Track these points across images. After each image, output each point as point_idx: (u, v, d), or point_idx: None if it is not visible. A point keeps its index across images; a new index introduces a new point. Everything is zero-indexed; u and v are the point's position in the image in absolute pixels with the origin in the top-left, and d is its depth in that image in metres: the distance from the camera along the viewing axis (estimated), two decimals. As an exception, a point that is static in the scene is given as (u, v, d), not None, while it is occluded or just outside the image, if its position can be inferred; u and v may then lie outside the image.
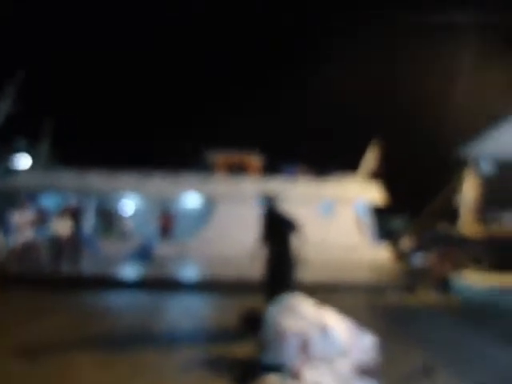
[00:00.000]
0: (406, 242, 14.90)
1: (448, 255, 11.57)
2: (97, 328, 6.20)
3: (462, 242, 13.38)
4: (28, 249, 11.62)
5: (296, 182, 16.71)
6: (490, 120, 15.28)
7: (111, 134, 27.51)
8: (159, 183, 16.36)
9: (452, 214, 16.47)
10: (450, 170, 16.89)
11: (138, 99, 30.78)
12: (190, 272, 12.14)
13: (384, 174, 17.35)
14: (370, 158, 17.58)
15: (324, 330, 4.59)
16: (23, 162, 17.94)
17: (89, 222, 15.86)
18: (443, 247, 12.37)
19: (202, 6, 37.76)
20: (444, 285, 10.08)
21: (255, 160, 18.15)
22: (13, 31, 32.46)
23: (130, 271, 11.63)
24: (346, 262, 13.70)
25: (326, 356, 4.50)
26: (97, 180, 16.55)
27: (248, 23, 37.78)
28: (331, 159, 18.63)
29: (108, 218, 16.70)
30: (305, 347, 4.50)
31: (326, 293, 8.40)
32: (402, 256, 14.24)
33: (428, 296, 9.61)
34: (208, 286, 9.81)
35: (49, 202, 16.07)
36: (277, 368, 4.50)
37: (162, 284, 9.86)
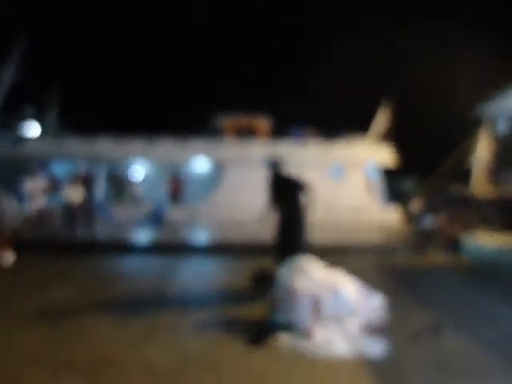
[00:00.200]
0: (416, 204, 14.83)
1: (459, 216, 11.50)
2: (112, 291, 6.38)
3: (474, 203, 13.27)
4: (42, 216, 11.84)
5: (305, 145, 16.51)
6: (506, 78, 14.73)
7: (119, 100, 27.26)
8: (168, 148, 16.32)
9: (464, 175, 16.26)
10: (463, 130, 16.50)
11: (145, 64, 30.23)
12: (200, 236, 12.30)
13: (395, 135, 17.03)
14: (381, 119, 17.21)
15: (334, 291, 4.65)
16: (32, 129, 17.93)
17: (100, 188, 16.02)
18: (454, 208, 12.29)
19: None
20: (454, 246, 10.09)
21: (263, 123, 17.90)
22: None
23: (142, 236, 11.82)
24: (355, 224, 13.75)
25: (336, 316, 4.59)
26: (106, 146, 16.56)
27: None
28: (341, 121, 18.29)
29: (118, 184, 16.84)
30: (316, 307, 4.59)
31: (337, 254, 8.48)
32: (411, 217, 14.21)
33: (437, 257, 9.64)
34: (219, 250, 9.96)
35: (60, 169, 16.20)
36: (288, 327, 4.61)
37: (174, 248, 10.03)
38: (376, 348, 4.23)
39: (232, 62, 29.65)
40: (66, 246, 9.87)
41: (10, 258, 8.38)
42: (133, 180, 17.04)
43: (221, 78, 27.92)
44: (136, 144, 16.33)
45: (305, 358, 4.08)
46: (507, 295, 6.46)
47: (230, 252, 9.55)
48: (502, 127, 15.18)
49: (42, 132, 18.02)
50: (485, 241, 10.39)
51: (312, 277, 4.87)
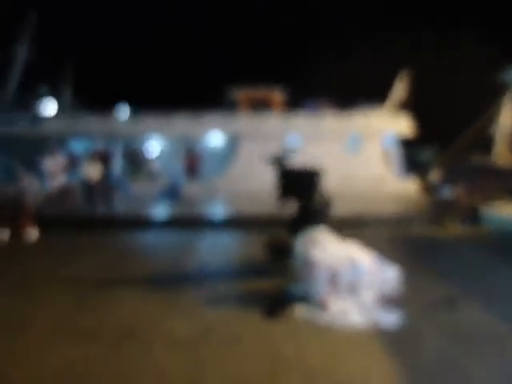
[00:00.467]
0: (435, 174, 14.57)
1: (478, 187, 11.26)
2: (132, 266, 6.56)
3: (495, 173, 12.95)
4: (63, 193, 12.09)
5: (321, 117, 16.24)
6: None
7: (133, 76, 27.13)
8: (184, 123, 16.30)
9: (486, 144, 15.82)
10: (485, 99, 15.93)
11: (160, 38, 29.78)
12: (217, 210, 12.42)
13: (414, 105, 16.56)
14: (399, 89, 16.72)
15: (352, 264, 4.69)
16: (49, 108, 18.09)
17: (117, 164, 16.22)
18: (474, 178, 12.02)
19: None
20: (473, 216, 9.93)
21: (278, 95, 17.61)
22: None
23: (159, 211, 12.01)
24: (373, 195, 13.63)
25: (351, 287, 4.64)
26: (123, 123, 16.64)
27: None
28: (358, 91, 17.82)
29: (135, 160, 16.99)
30: (333, 280, 4.64)
31: (354, 226, 8.48)
32: (429, 188, 13.99)
33: (456, 228, 9.53)
34: (235, 223, 10.05)
35: (77, 147, 16.41)
36: (305, 299, 4.69)
37: (191, 222, 10.17)
38: (390, 319, 4.28)
39: (246, 34, 28.96)
40: (87, 222, 10.11)
41: (33, 234, 8.66)
42: (149, 156, 17.17)
43: (235, 52, 27.40)
44: (151, 120, 16.37)
45: (320, 328, 4.16)
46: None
47: (246, 225, 9.63)
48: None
49: (59, 110, 18.18)
50: (506, 211, 10.17)
51: (329, 249, 4.91)
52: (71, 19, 28.73)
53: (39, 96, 17.80)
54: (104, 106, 17.30)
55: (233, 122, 16.33)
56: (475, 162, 15.04)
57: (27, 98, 17.10)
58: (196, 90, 25.15)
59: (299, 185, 6.32)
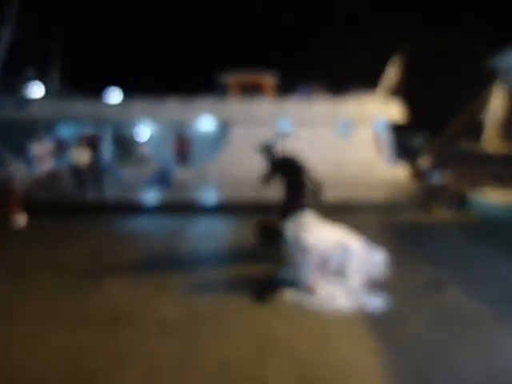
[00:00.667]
0: (425, 160, 14.66)
1: (466, 172, 11.37)
2: (123, 251, 6.56)
3: (483, 159, 13.06)
4: (52, 177, 11.97)
5: (313, 102, 16.17)
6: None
7: (122, 60, 26.65)
8: (174, 108, 16.11)
9: (476, 130, 15.91)
10: (476, 84, 15.95)
11: (150, 21, 29.20)
12: (208, 195, 12.41)
13: (405, 91, 16.53)
14: (391, 74, 16.67)
15: (342, 249, 4.74)
16: (36, 90, 17.72)
17: (107, 149, 16.05)
18: (462, 164, 12.12)
19: None
20: (460, 202, 10.04)
21: (270, 80, 17.46)
22: None
23: (150, 196, 11.97)
24: (363, 181, 13.70)
25: (340, 271, 4.70)
26: (112, 107, 16.41)
27: None
28: (349, 77, 17.73)
29: (125, 145, 16.82)
30: (323, 264, 4.69)
31: (344, 211, 8.54)
32: (419, 174, 14.08)
33: (444, 213, 9.65)
34: (226, 209, 10.07)
35: (65, 131, 16.18)
36: (294, 283, 4.74)
37: (182, 208, 10.16)
38: (376, 302, 4.36)
39: (237, 19, 28.51)
40: (76, 208, 10.05)
41: (22, 220, 8.59)
42: (139, 141, 17.00)
43: (226, 36, 26.98)
44: (142, 104, 16.15)
45: (308, 312, 4.23)
46: (511, 251, 6.48)
47: (237, 211, 9.66)
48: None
49: (46, 94, 17.83)
50: (492, 197, 10.31)
51: (319, 234, 4.93)
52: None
53: (26, 79, 17.42)
54: (93, 89, 17.02)
55: (224, 106, 16.19)
56: (464, 147, 15.13)
57: (13, 82, 16.73)
58: (186, 74, 24.86)
59: (288, 171, 6.33)
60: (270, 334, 3.76)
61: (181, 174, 14.57)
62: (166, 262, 5.98)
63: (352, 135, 15.95)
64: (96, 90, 17.58)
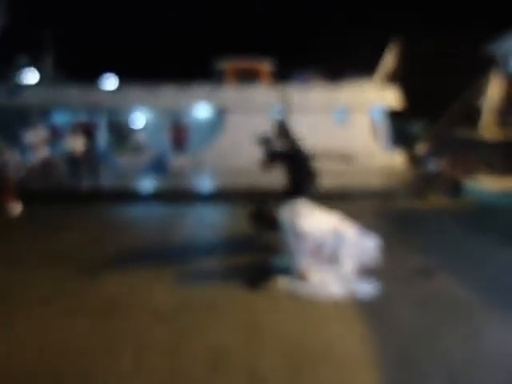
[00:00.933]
0: (422, 147, 14.63)
1: (461, 159, 11.38)
2: (117, 240, 6.57)
3: (479, 146, 13.05)
4: (46, 165, 11.91)
5: (309, 88, 16.06)
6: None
7: (118, 46, 26.29)
8: (170, 95, 15.98)
9: (473, 117, 15.85)
10: (474, 71, 15.84)
11: (145, 9, 28.75)
12: (204, 183, 12.40)
13: (403, 77, 16.41)
14: (389, 60, 16.53)
15: (336, 235, 4.76)
16: (30, 77, 17.50)
17: (102, 137, 15.96)
18: (457, 151, 12.12)
19: None
20: (454, 189, 10.07)
21: (266, 66, 17.30)
22: None
23: (146, 184, 11.95)
24: (359, 168, 13.71)
25: (334, 258, 4.73)
26: (107, 94, 16.26)
27: None
28: (346, 63, 17.58)
29: (120, 133, 16.71)
30: (318, 250, 4.72)
31: (339, 199, 8.56)
32: (415, 161, 14.08)
33: (439, 200, 9.67)
34: (222, 196, 10.07)
35: (60, 118, 16.05)
36: (288, 270, 4.78)
37: (178, 195, 10.16)
38: (367, 289, 4.40)
39: (233, 4, 28.06)
40: (72, 196, 10.03)
41: (16, 208, 8.57)
42: (134, 128, 16.89)
43: (223, 22, 26.62)
44: (137, 91, 16.00)
45: (300, 299, 4.26)
46: (503, 238, 6.52)
47: (233, 199, 9.66)
48: (514, 66, 14.55)
49: (40, 81, 17.62)
50: (487, 184, 10.34)
51: (314, 221, 4.94)
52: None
53: (19, 67, 17.19)
54: (88, 76, 16.84)
55: (220, 93, 16.07)
56: (460, 134, 15.10)
57: (6, 69, 16.52)
58: (182, 60, 24.58)
59: (286, 160, 6.30)
60: (261, 320, 3.80)
61: (177, 161, 14.53)
62: (161, 251, 5.99)
63: (349, 122, 15.89)
64: (91, 77, 17.40)
